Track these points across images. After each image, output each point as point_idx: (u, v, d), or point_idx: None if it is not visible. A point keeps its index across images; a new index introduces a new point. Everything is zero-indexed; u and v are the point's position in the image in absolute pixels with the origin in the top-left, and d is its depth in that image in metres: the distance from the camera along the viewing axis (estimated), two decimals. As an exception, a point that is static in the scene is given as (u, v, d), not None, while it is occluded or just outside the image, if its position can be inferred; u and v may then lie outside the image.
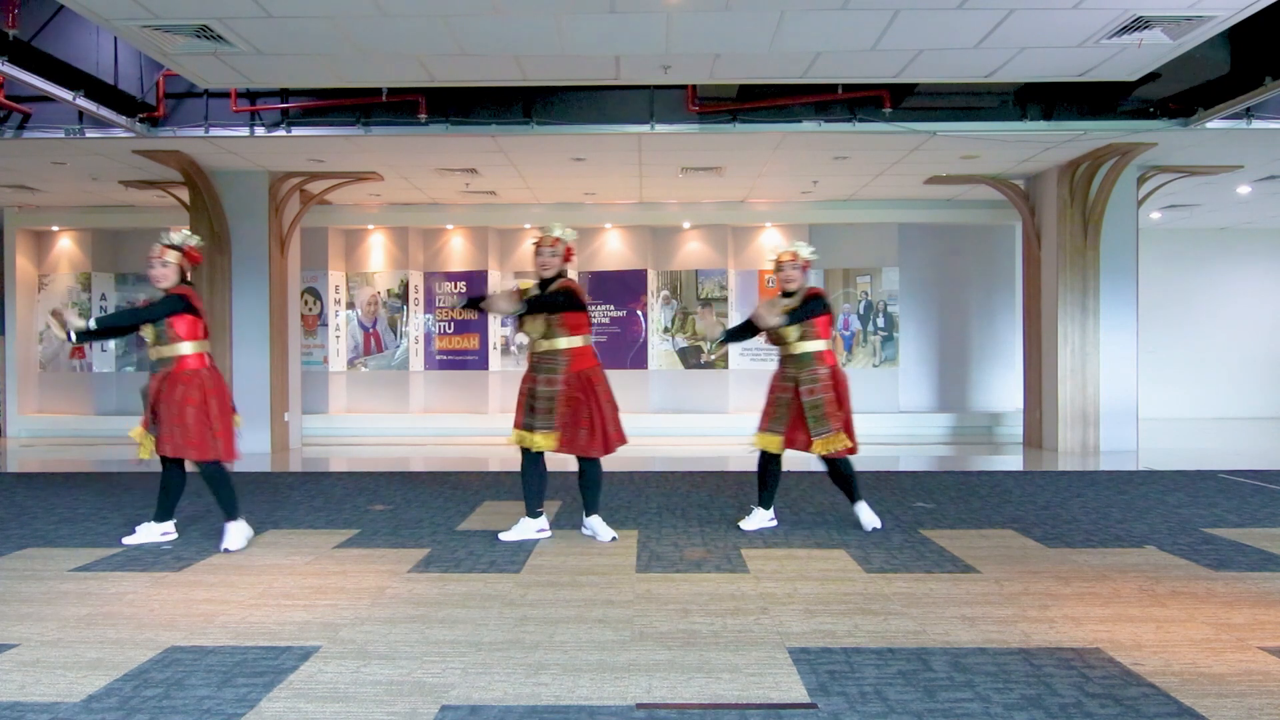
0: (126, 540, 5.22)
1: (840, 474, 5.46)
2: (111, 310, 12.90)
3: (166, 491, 5.23)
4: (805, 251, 5.45)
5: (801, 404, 5.28)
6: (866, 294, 12.64)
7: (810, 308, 5.24)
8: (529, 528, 5.33)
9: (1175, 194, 11.43)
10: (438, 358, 12.91)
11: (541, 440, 5.09)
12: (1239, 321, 14.51)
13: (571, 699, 2.92)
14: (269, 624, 3.72)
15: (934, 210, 12.11)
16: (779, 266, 5.44)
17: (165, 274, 5.02)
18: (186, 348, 4.96)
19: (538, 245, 5.18)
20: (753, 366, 12.65)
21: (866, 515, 5.53)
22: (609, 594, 4.14)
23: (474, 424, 12.33)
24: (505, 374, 12.81)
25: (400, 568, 4.65)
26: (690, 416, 12.16)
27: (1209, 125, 8.23)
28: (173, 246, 5.07)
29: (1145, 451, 9.84)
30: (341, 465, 9.27)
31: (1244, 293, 14.52)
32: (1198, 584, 4.28)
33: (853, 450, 5.36)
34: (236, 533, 5.11)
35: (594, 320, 12.75)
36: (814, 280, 12.46)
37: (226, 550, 5.03)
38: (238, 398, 10.12)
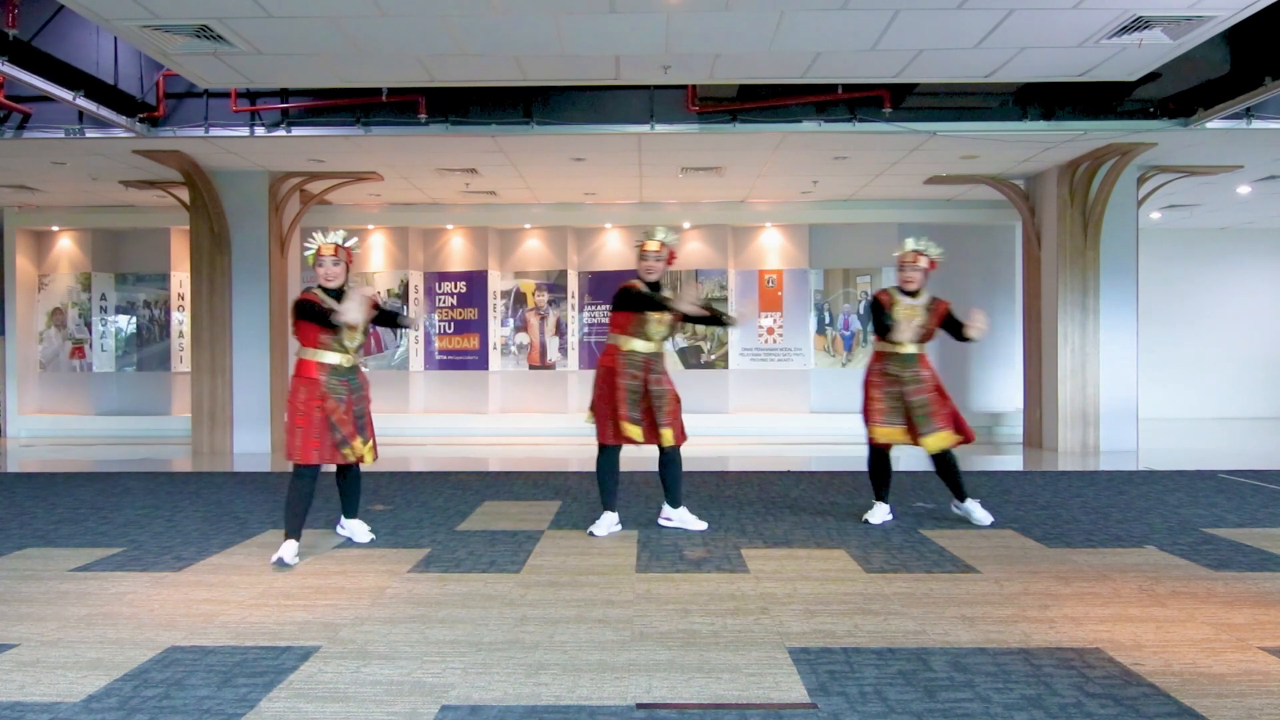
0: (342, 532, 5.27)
1: (949, 469, 5.57)
2: (111, 310, 12.91)
3: (345, 494, 5.22)
4: (933, 251, 5.56)
5: (908, 403, 5.42)
6: (866, 294, 12.63)
7: (951, 321, 5.49)
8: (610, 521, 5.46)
9: (1175, 194, 11.43)
10: (437, 358, 12.90)
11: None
12: (1239, 321, 14.51)
13: (571, 699, 2.92)
14: (269, 624, 3.72)
15: (934, 210, 12.11)
16: (901, 265, 5.55)
17: (340, 273, 4.85)
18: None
19: (642, 250, 5.41)
20: (752, 366, 12.65)
21: (979, 513, 5.66)
22: (609, 594, 4.13)
23: (474, 424, 12.33)
24: (505, 374, 12.82)
25: (400, 568, 4.65)
26: (690, 416, 12.02)
27: (1209, 125, 8.23)
28: (343, 246, 4.89)
29: (1145, 451, 9.84)
30: (341, 465, 9.26)
31: (1244, 293, 14.51)
32: (1198, 584, 4.28)
33: (967, 440, 5.51)
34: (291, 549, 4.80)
35: (594, 320, 12.77)
36: (814, 281, 12.63)
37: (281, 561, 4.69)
38: (238, 398, 10.24)
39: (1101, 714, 2.79)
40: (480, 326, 12.73)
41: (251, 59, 6.74)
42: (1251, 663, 3.22)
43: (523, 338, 12.82)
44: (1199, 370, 14.38)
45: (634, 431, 5.23)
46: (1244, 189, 11.22)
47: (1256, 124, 8.24)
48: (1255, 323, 14.52)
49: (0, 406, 12.64)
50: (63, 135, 8.41)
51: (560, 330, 12.72)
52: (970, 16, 5.97)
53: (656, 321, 5.34)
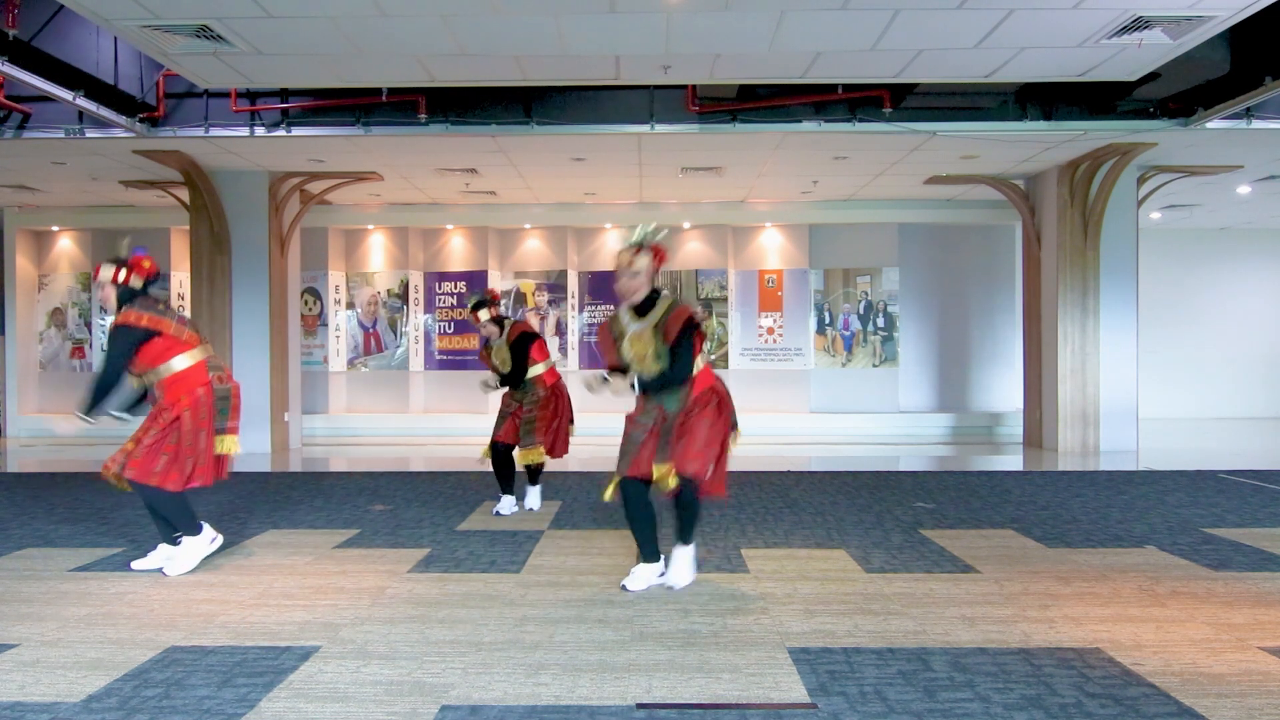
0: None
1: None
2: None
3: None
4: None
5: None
6: (866, 294, 12.64)
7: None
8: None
9: (1175, 194, 11.43)
10: (437, 358, 12.91)
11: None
12: (1239, 321, 14.51)
13: (571, 699, 2.92)
14: (269, 624, 3.72)
15: (934, 210, 12.11)
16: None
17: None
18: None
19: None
20: (753, 366, 12.66)
21: (532, 497, 6.29)
22: (609, 594, 4.13)
23: (474, 424, 12.31)
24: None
25: (400, 568, 4.65)
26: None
27: (1209, 125, 8.23)
28: (118, 262, 4.62)
29: (1145, 451, 9.84)
30: (341, 465, 9.26)
31: (1244, 293, 14.52)
32: (1198, 584, 4.28)
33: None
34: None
35: (594, 320, 12.76)
36: (814, 281, 12.63)
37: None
38: (238, 398, 10.20)
39: (1101, 714, 2.79)
40: (480, 326, 12.72)
41: (251, 59, 6.74)
42: (1251, 663, 3.22)
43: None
44: (1199, 370, 14.39)
45: None
46: (1244, 189, 11.22)
47: (1256, 124, 8.24)
48: (1255, 323, 14.52)
49: (0, 406, 12.64)
50: (63, 135, 8.40)
51: (560, 330, 12.72)
52: (970, 16, 5.97)
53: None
